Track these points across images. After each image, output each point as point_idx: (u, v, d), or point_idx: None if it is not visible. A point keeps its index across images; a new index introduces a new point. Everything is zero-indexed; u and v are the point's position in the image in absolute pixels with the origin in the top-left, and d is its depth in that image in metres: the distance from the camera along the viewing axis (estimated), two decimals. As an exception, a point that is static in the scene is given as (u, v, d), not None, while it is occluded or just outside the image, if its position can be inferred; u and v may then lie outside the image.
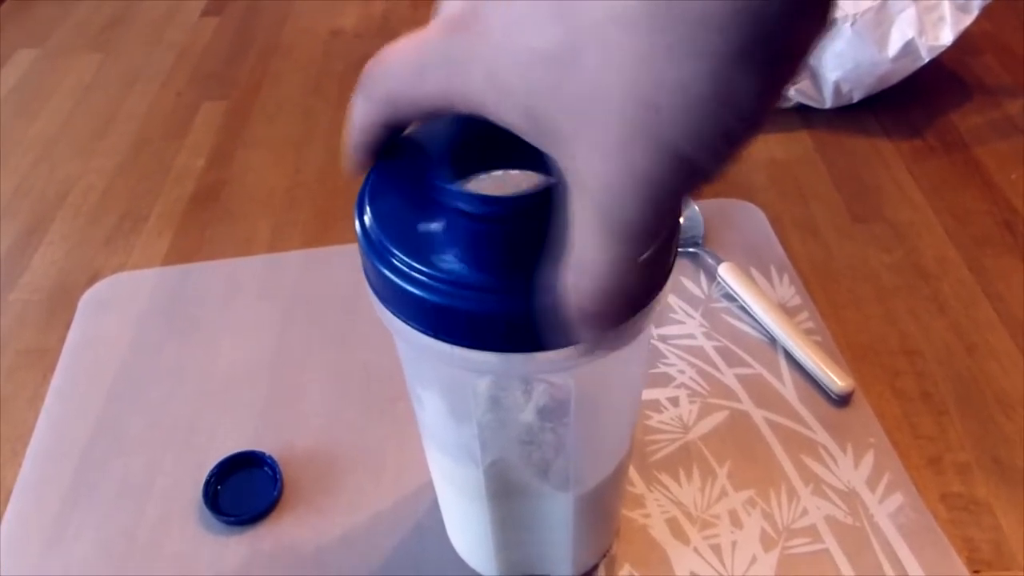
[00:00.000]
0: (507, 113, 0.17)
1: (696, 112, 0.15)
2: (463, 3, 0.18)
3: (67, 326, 0.48)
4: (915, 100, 0.63)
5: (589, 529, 0.33)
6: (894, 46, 0.59)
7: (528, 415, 0.27)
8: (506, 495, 0.30)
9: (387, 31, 0.74)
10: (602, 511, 0.34)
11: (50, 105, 0.67)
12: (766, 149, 0.60)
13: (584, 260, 0.18)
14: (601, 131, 0.15)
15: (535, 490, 0.30)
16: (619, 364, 0.27)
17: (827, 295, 0.49)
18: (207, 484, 0.39)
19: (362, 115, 0.21)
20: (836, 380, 0.42)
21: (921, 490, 0.39)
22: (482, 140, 0.21)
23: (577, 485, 0.30)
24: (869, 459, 0.40)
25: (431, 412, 0.28)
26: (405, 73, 0.19)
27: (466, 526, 0.35)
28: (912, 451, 0.41)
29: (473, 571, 0.36)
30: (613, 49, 0.15)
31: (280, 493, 0.39)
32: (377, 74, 0.20)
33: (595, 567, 0.36)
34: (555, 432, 0.27)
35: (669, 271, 0.22)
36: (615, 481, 0.32)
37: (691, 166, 0.16)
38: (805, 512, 0.38)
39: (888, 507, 0.38)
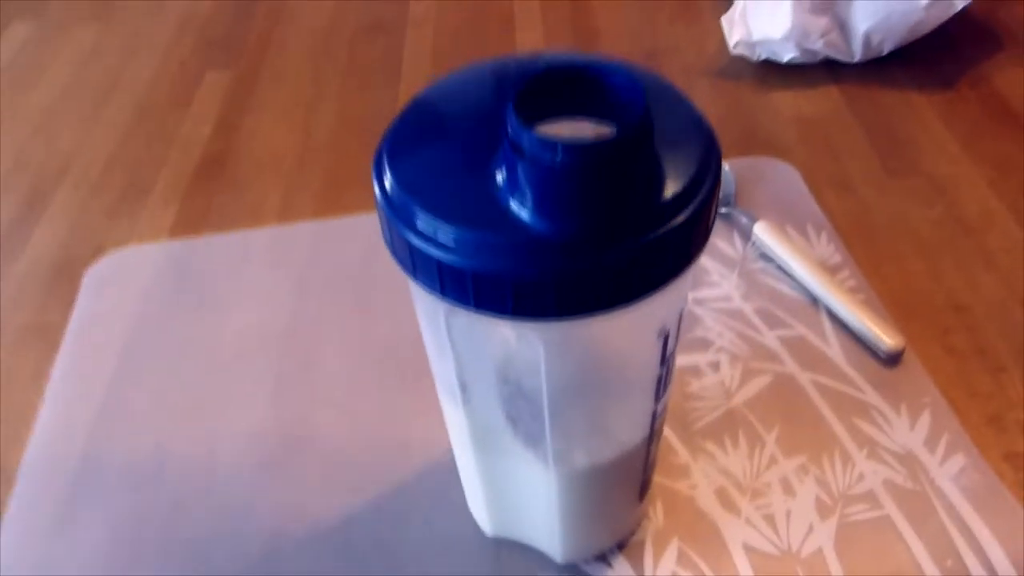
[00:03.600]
0: None
1: None
2: None
3: (70, 301, 0.46)
4: (945, 52, 0.61)
5: (580, 516, 0.31)
6: (928, -7, 0.56)
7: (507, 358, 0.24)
8: (490, 449, 0.28)
9: (393, -4, 0.72)
10: (598, 501, 0.31)
11: (48, 76, 0.65)
12: (794, 105, 0.58)
13: None
14: None
15: (517, 453, 0.27)
16: (606, 339, 0.24)
17: (867, 252, 0.46)
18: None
19: None
20: (885, 338, 0.40)
21: (983, 450, 0.36)
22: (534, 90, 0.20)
23: (560, 462, 0.27)
24: (925, 420, 0.38)
25: (425, 339, 0.26)
26: None
27: (464, 475, 0.33)
28: (970, 410, 0.38)
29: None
30: None
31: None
32: None
33: (625, 543, 0.34)
34: (531, 393, 0.24)
35: (690, 249, 0.20)
36: (618, 472, 0.29)
37: None
38: (862, 477, 0.36)
39: (950, 469, 0.36)
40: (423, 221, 0.19)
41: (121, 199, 0.53)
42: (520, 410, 0.24)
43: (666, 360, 0.25)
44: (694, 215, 0.19)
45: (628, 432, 0.27)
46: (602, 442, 0.27)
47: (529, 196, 0.18)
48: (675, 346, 0.25)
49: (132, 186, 0.53)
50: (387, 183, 0.20)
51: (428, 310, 0.23)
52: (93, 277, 0.47)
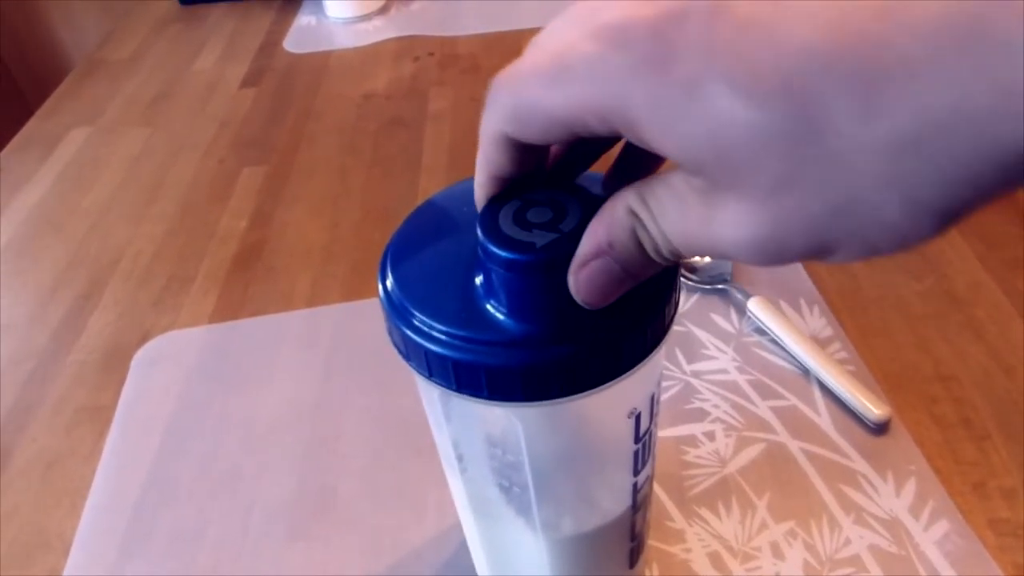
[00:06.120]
0: (666, 147, 0.16)
1: (871, 235, 0.15)
2: (629, 11, 0.16)
3: (121, 384, 0.50)
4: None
5: None
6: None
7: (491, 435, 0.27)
8: (486, 515, 0.30)
9: (416, 92, 0.78)
10: (586, 566, 0.32)
11: (103, 177, 0.71)
12: (789, 185, 0.61)
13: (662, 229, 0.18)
14: (766, 201, 0.15)
15: (510, 519, 0.29)
16: (579, 419, 0.27)
17: (858, 325, 0.49)
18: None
19: (488, 134, 0.20)
20: (872, 408, 0.42)
21: (967, 516, 0.38)
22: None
23: (548, 529, 0.29)
24: (911, 486, 0.40)
25: (427, 414, 0.29)
26: (535, 80, 0.18)
27: (468, 538, 0.35)
28: (955, 477, 0.40)
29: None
30: (848, 159, 0.14)
31: (326, 537, 0.40)
32: (503, 83, 0.18)
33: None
34: (516, 465, 0.26)
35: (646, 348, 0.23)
36: (604, 539, 0.31)
37: (823, 256, 0.16)
38: (848, 542, 0.38)
39: (934, 535, 0.38)
40: (415, 318, 0.23)
41: (166, 288, 0.58)
42: (510, 480, 0.27)
43: (641, 438, 0.27)
44: (649, 315, 0.22)
45: (611, 503, 0.29)
46: (586, 511, 0.29)
47: (501, 298, 0.22)
48: (651, 425, 0.28)
49: (176, 276, 0.58)
50: (388, 284, 0.24)
51: (425, 390, 0.26)
52: (140, 360, 0.52)
